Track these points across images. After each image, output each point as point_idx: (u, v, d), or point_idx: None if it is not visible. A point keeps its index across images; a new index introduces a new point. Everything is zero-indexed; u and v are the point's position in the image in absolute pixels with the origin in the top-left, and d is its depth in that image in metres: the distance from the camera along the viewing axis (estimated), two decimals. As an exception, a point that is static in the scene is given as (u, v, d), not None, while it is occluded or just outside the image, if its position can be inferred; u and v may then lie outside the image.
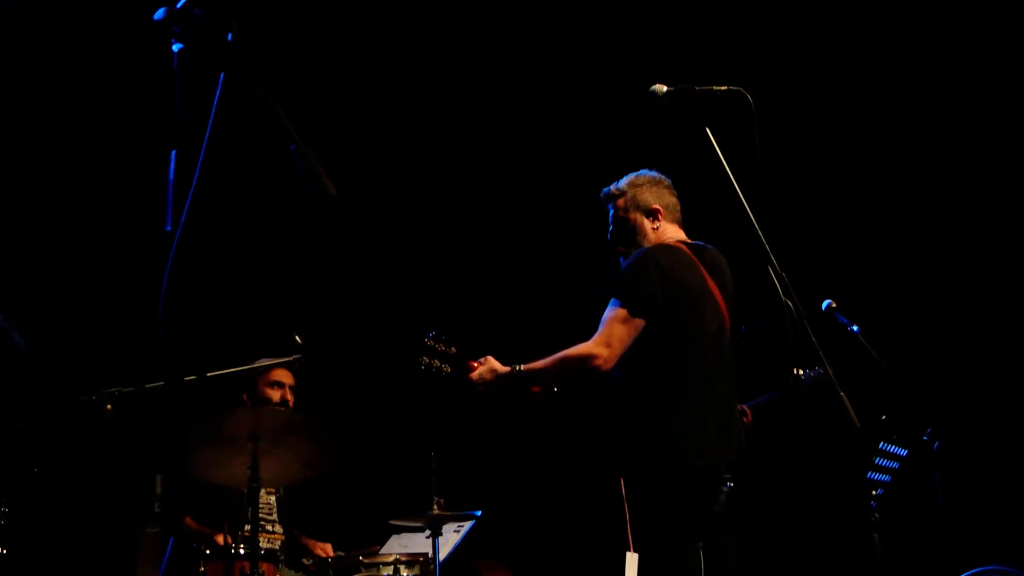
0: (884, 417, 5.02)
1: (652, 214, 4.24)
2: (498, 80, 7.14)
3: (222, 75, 2.74)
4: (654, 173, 4.35)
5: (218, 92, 2.75)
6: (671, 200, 4.30)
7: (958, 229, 6.89)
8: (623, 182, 4.32)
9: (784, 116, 6.32)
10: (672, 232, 4.26)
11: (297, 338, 5.05)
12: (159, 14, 2.74)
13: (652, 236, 4.22)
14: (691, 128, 3.41)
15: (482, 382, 4.07)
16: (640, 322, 3.93)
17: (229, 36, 2.72)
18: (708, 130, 3.42)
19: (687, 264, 4.10)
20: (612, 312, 3.96)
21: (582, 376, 3.97)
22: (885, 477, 5.00)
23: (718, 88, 3.45)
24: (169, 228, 2.73)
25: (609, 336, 3.91)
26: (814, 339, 3.21)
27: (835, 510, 6.55)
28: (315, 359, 5.12)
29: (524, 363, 4.04)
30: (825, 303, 5.25)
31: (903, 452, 5.04)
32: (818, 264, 6.25)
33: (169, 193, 2.74)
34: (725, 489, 3.92)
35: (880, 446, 5.04)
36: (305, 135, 2.82)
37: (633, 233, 4.24)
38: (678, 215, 4.32)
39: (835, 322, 5.20)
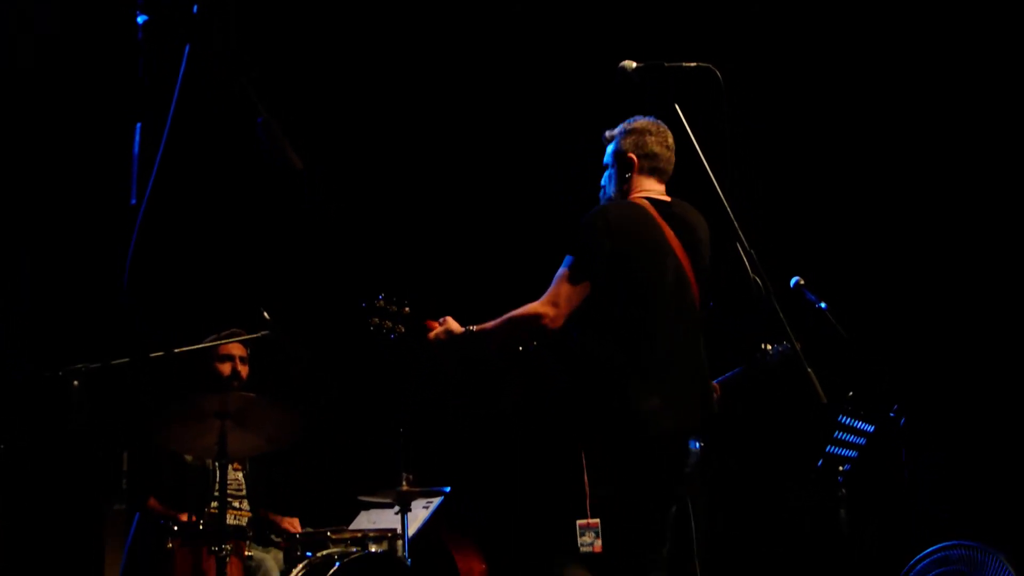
0: (851, 393, 5.04)
1: (628, 165, 4.10)
2: (452, 43, 7.07)
3: (187, 47, 2.72)
4: (649, 119, 4.14)
5: (183, 64, 2.72)
6: (653, 150, 4.10)
7: (925, 205, 6.90)
8: (618, 128, 4.18)
9: (753, 93, 6.32)
10: (646, 185, 4.10)
11: (265, 314, 5.01)
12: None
13: (624, 187, 4.11)
14: (661, 104, 3.39)
15: (438, 343, 4.04)
16: (587, 282, 3.85)
17: (195, 8, 2.70)
18: (677, 107, 3.41)
19: (644, 220, 3.96)
20: (562, 271, 3.88)
21: (530, 336, 3.93)
22: (852, 453, 5.02)
23: (687, 64, 3.43)
24: (134, 201, 2.71)
25: (556, 295, 3.84)
26: (782, 315, 3.21)
27: (801, 485, 6.59)
28: (282, 334, 5.08)
29: (477, 324, 4.00)
30: (793, 280, 5.27)
31: (870, 428, 5.06)
32: (786, 241, 6.26)
33: (134, 166, 2.72)
34: (695, 450, 3.81)
35: (846, 422, 5.05)
36: (268, 105, 2.80)
37: (611, 181, 4.16)
38: (659, 165, 4.11)
39: (803, 299, 5.21)
